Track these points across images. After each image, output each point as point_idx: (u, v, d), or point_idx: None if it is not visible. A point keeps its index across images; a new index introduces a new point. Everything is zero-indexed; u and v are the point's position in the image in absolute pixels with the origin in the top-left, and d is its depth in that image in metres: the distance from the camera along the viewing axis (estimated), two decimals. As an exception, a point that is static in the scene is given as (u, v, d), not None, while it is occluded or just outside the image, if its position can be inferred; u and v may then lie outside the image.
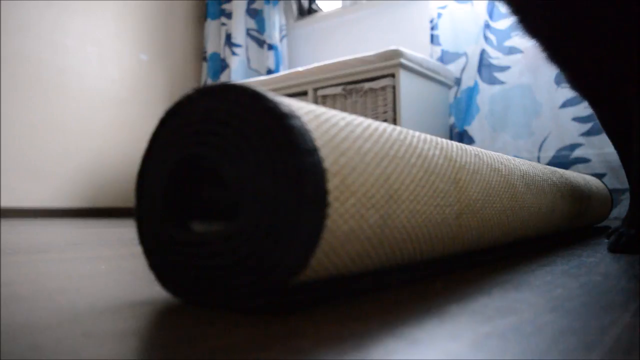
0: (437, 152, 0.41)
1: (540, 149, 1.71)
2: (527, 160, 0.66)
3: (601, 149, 1.59)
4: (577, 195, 0.79)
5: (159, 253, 0.32)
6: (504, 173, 0.53)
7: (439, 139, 0.44)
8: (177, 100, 0.32)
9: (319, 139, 0.29)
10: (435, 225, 0.39)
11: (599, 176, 1.59)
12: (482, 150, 0.53)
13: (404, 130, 0.39)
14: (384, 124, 0.37)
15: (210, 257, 0.29)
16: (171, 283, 0.32)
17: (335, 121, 0.31)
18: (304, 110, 0.30)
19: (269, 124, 0.28)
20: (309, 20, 2.51)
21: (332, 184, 0.28)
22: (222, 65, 2.67)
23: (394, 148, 0.35)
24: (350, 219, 0.29)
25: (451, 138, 1.89)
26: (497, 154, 0.57)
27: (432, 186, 0.38)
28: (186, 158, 0.31)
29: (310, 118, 0.29)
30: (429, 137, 0.42)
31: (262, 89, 0.29)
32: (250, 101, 0.28)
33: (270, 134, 0.27)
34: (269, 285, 0.27)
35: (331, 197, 0.28)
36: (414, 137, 0.39)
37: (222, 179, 0.31)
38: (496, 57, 1.81)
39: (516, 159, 0.62)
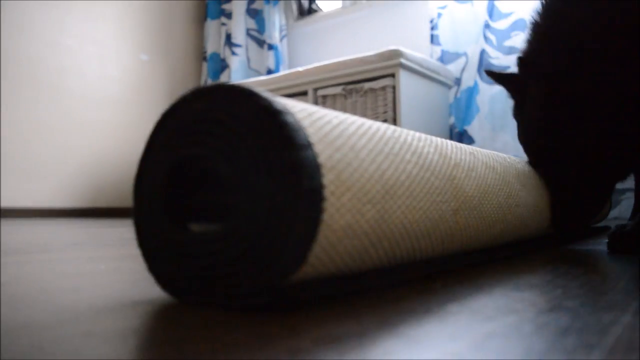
0: (432, 150, 0.42)
1: (540, 149, 1.71)
2: (522, 160, 0.67)
3: (601, 149, 1.59)
4: None
5: (158, 254, 0.32)
6: (499, 171, 0.53)
7: (434, 138, 0.45)
8: (173, 102, 0.32)
9: (313, 135, 0.29)
10: (433, 222, 0.39)
11: (599, 176, 1.59)
12: (478, 148, 0.53)
13: (398, 128, 0.40)
14: (378, 123, 0.37)
15: (209, 256, 0.30)
16: (171, 284, 0.32)
17: (329, 119, 0.32)
18: (297, 108, 0.30)
19: (263, 120, 0.28)
20: (309, 20, 2.51)
21: (328, 178, 0.28)
22: (222, 65, 2.67)
23: (389, 145, 0.36)
24: (347, 213, 0.30)
25: (451, 138, 1.89)
26: (493, 152, 0.57)
27: (428, 183, 0.39)
28: (183, 159, 0.31)
29: (304, 115, 0.30)
30: (423, 135, 0.43)
31: (255, 88, 0.29)
32: (244, 100, 0.29)
33: (264, 130, 0.28)
34: (268, 281, 0.28)
35: (327, 192, 0.28)
36: (408, 135, 0.40)
37: (219, 179, 0.31)
38: (496, 57, 1.81)
39: (512, 157, 0.63)
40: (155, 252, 0.32)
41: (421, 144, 0.41)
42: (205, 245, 0.30)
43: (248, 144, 0.28)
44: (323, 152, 0.29)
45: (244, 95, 0.29)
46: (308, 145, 0.28)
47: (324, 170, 0.28)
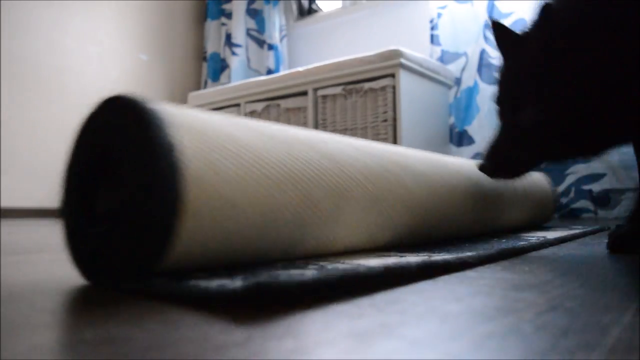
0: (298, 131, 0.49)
1: (540, 149, 1.71)
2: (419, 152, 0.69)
3: (601, 149, 1.59)
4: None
5: (76, 244, 0.38)
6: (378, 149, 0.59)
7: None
8: (86, 114, 0.40)
9: (176, 122, 0.35)
10: (309, 174, 0.44)
11: (599, 176, 1.59)
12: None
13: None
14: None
15: (111, 242, 0.35)
16: (88, 270, 0.37)
17: (195, 113, 0.39)
18: (166, 107, 0.37)
19: (130, 114, 0.35)
20: (309, 20, 2.51)
21: (185, 139, 0.35)
22: (222, 65, 2.67)
23: (244, 120, 0.43)
24: (210, 152, 0.36)
25: (451, 138, 1.89)
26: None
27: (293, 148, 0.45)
28: (93, 159, 0.38)
29: (171, 112, 0.36)
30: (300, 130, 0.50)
31: (135, 95, 0.36)
32: (117, 102, 0.36)
33: (132, 121, 0.35)
34: (163, 242, 0.32)
35: (183, 142, 0.34)
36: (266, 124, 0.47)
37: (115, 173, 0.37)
38: (496, 56, 1.81)
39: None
40: (75, 242, 0.38)
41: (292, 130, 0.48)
42: (107, 233, 0.35)
43: (124, 136, 0.35)
44: (178, 122, 0.35)
45: (118, 99, 0.36)
46: (165, 125, 0.34)
47: (180, 131, 0.35)
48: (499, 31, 0.66)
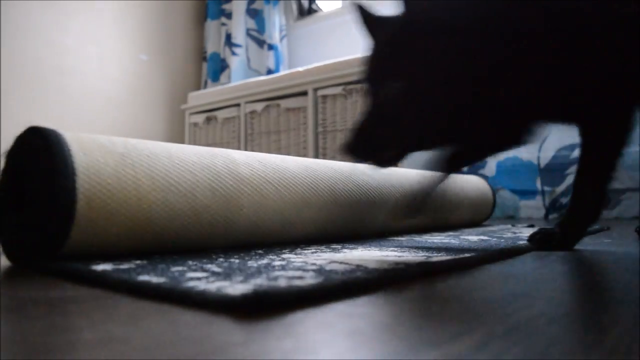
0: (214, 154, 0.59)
1: (540, 149, 1.71)
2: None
3: (601, 149, 1.59)
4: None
5: (5, 234, 0.49)
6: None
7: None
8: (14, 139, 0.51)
9: (73, 142, 0.46)
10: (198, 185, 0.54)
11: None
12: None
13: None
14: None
15: (25, 231, 0.46)
16: (14, 256, 0.48)
17: (90, 136, 0.50)
18: (66, 134, 0.48)
19: (35, 137, 0.48)
20: (309, 20, 2.51)
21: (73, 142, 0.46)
22: (222, 65, 2.67)
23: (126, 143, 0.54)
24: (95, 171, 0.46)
25: (451, 138, 1.89)
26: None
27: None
28: (17, 171, 0.50)
29: (70, 135, 0.47)
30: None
31: (45, 127, 0.48)
32: (33, 132, 0.49)
33: (33, 141, 0.48)
34: (62, 226, 0.43)
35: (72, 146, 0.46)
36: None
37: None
38: (496, 57, 1.81)
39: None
40: (3, 234, 0.49)
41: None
42: (24, 224, 0.46)
43: (37, 160, 0.47)
44: (74, 145, 0.46)
45: (33, 130, 0.49)
46: (62, 140, 0.46)
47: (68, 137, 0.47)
48: (363, 14, 0.67)
